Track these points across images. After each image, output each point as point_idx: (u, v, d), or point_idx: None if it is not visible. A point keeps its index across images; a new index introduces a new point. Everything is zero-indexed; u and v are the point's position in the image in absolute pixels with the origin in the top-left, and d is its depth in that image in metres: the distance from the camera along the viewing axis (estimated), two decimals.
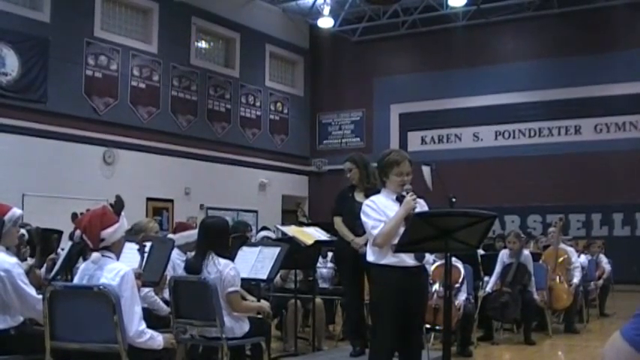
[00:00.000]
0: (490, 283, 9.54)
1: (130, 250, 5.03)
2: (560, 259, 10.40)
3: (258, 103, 20.77)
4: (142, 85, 17.25)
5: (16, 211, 4.90)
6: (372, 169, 6.60)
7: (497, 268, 9.54)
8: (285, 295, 8.48)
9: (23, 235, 6.48)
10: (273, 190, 20.91)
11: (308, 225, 10.12)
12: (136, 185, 16.03)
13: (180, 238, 6.75)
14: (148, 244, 5.40)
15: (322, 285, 9.63)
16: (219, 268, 5.41)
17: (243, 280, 5.80)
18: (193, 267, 5.51)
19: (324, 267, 9.87)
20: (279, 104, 21.62)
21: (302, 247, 7.62)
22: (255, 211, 19.86)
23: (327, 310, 9.06)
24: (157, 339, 4.32)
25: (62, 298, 4.33)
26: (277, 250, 6.73)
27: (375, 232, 4.70)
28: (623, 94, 18.63)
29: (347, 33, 21.88)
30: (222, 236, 5.68)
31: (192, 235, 7.05)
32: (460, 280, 8.06)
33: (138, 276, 4.56)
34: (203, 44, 19.62)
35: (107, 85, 16.35)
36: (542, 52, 19.76)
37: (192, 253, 6.50)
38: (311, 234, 8.01)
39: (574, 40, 19.18)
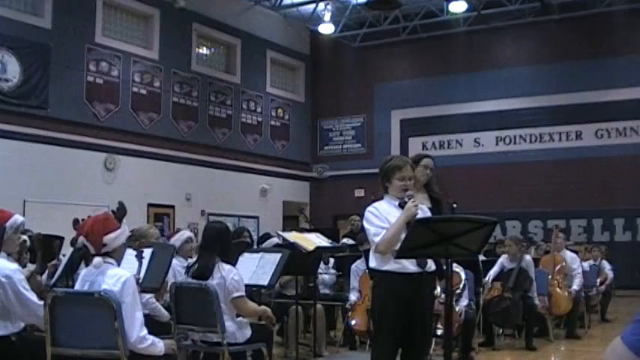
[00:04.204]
0: (489, 275, 9.56)
1: (129, 255, 5.03)
2: (558, 265, 10.41)
3: (259, 109, 20.78)
4: (143, 91, 17.27)
5: (19, 218, 4.91)
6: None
7: (496, 268, 9.60)
8: (286, 301, 8.49)
9: (25, 241, 6.49)
10: (275, 196, 20.91)
11: (310, 231, 10.15)
12: (137, 191, 16.04)
13: (176, 241, 6.84)
14: (147, 250, 5.41)
15: (323, 291, 9.64)
16: (222, 274, 5.43)
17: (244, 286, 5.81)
18: (201, 273, 5.50)
19: (326, 273, 9.88)
20: (280, 110, 21.63)
21: (303, 252, 7.63)
22: (257, 217, 19.86)
23: (328, 316, 9.07)
24: (158, 345, 4.32)
25: (63, 304, 4.33)
26: (278, 256, 6.74)
27: (377, 239, 4.71)
28: (624, 100, 18.64)
29: (348, 39, 21.91)
30: (225, 240, 5.70)
31: (183, 234, 7.16)
32: (461, 286, 8.06)
33: (136, 282, 4.56)
34: (204, 50, 19.65)
35: (108, 91, 16.36)
36: (542, 58, 19.77)
37: (192, 260, 6.52)
38: (312, 240, 8.02)
39: (574, 46, 19.20)
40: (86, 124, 15.78)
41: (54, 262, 6.23)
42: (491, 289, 9.59)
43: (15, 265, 4.79)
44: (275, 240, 9.73)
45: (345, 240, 11.91)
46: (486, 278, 9.53)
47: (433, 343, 8.15)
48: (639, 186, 17.95)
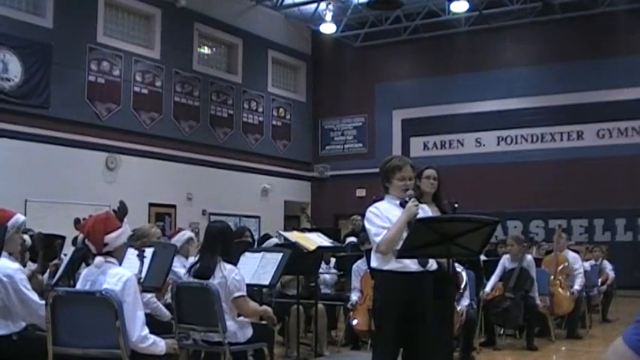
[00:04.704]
0: (489, 284, 9.54)
1: (131, 255, 5.03)
2: (561, 266, 10.41)
3: (260, 109, 20.78)
4: (145, 91, 17.27)
5: (20, 217, 4.91)
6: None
7: (498, 271, 9.58)
8: (287, 301, 8.49)
9: (24, 241, 6.50)
10: (276, 196, 20.91)
11: (311, 230, 10.15)
12: (139, 191, 16.03)
13: (177, 241, 6.86)
14: (148, 250, 5.41)
15: (324, 291, 9.64)
16: (224, 274, 5.42)
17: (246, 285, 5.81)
18: (203, 272, 5.50)
19: (327, 273, 9.88)
20: (281, 110, 21.63)
21: (304, 252, 7.63)
22: (258, 217, 19.86)
23: (329, 315, 9.06)
24: (159, 344, 4.32)
25: (65, 303, 4.34)
26: (280, 255, 6.74)
27: (378, 239, 4.70)
28: (626, 100, 18.63)
29: (349, 39, 21.90)
30: (228, 240, 5.70)
31: (184, 234, 7.19)
32: (462, 286, 8.05)
33: (137, 281, 4.57)
34: (205, 50, 19.65)
35: (110, 90, 16.36)
36: (544, 58, 19.76)
37: (192, 257, 6.53)
38: (313, 239, 8.02)
39: (576, 46, 19.18)
40: (87, 124, 15.79)
41: (55, 261, 6.24)
42: (493, 289, 9.58)
43: (16, 265, 4.79)
44: (274, 240, 9.74)
45: (352, 239, 11.92)
46: (487, 289, 9.48)
47: None
48: None
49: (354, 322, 8.50)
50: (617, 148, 18.75)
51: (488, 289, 9.48)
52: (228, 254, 5.60)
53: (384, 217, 4.75)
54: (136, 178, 16.42)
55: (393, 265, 4.69)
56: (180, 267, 6.48)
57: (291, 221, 20.45)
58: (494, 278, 9.57)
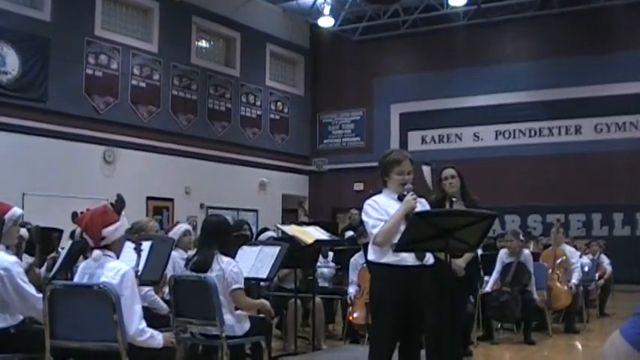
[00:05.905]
0: (490, 281, 9.56)
1: (128, 248, 5.03)
2: (559, 260, 10.42)
3: (258, 103, 20.76)
4: (143, 84, 17.24)
5: (17, 211, 4.91)
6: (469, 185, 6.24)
7: (497, 267, 9.57)
8: (285, 295, 8.49)
9: (21, 236, 6.48)
10: (274, 190, 20.90)
11: (309, 224, 10.14)
12: (136, 184, 16.01)
13: (174, 235, 6.86)
14: (146, 243, 5.41)
15: (322, 284, 9.64)
16: (221, 266, 5.41)
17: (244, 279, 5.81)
18: (200, 266, 5.49)
19: (325, 266, 9.89)
20: (279, 104, 21.62)
21: (302, 246, 7.63)
22: (256, 211, 19.85)
23: (327, 309, 9.07)
24: (157, 338, 4.32)
25: (62, 296, 4.34)
26: (277, 249, 6.74)
27: (375, 230, 4.69)
28: (624, 94, 18.62)
29: (347, 32, 21.87)
30: (225, 234, 5.69)
31: (180, 227, 7.18)
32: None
33: (135, 274, 4.57)
34: (203, 43, 19.62)
35: (107, 84, 16.34)
36: (542, 52, 19.75)
37: (192, 252, 6.53)
38: (311, 233, 8.02)
39: (574, 40, 19.17)
40: (85, 117, 15.77)
41: (53, 254, 6.23)
42: (494, 286, 9.57)
43: (13, 258, 4.79)
44: (269, 233, 9.74)
45: (349, 232, 11.91)
46: (487, 288, 9.51)
47: None
48: (638, 181, 17.95)
49: (355, 315, 8.50)
50: (615, 142, 18.75)
51: (488, 288, 9.49)
52: (225, 248, 5.60)
53: (382, 210, 4.74)
54: (133, 172, 16.41)
55: (390, 258, 4.68)
56: (180, 260, 6.48)
57: (289, 215, 20.46)
58: (494, 275, 9.57)
